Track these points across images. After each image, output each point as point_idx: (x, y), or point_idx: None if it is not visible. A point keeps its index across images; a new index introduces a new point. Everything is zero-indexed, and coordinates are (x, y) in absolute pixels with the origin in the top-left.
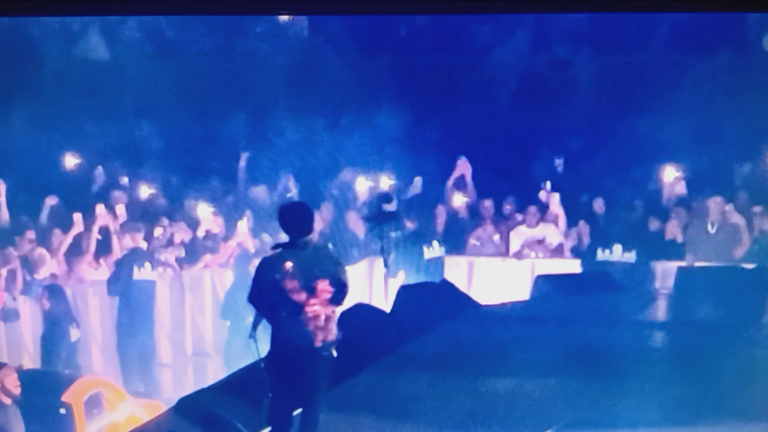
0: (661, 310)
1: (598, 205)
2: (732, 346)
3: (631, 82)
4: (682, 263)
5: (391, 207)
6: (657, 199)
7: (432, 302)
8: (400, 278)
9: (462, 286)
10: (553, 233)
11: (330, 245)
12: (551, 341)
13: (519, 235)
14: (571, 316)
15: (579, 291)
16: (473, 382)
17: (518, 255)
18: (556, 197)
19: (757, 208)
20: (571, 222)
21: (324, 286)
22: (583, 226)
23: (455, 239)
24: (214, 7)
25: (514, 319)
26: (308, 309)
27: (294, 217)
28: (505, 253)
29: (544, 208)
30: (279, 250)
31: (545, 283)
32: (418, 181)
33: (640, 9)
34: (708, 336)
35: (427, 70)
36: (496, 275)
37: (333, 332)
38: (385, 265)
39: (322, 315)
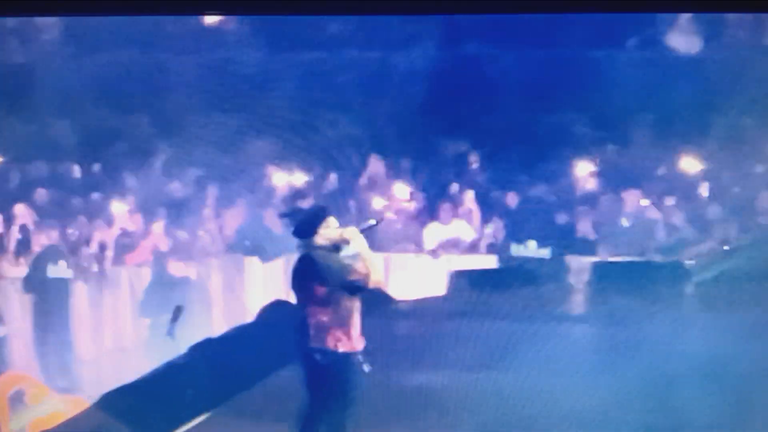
0: (576, 304)
1: (512, 200)
2: (646, 340)
3: (544, 76)
4: (597, 258)
5: (305, 204)
6: (571, 194)
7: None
8: None
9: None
10: (466, 229)
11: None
12: (467, 336)
13: (432, 232)
14: (486, 311)
15: (495, 286)
16: (387, 376)
17: (432, 251)
18: (470, 194)
19: (670, 201)
20: (486, 218)
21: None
22: (498, 222)
23: (370, 235)
24: (213, 8)
25: (430, 314)
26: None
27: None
28: (420, 248)
29: (457, 204)
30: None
31: (461, 278)
32: (333, 177)
33: (639, 9)
34: (623, 329)
35: (340, 67)
36: (412, 271)
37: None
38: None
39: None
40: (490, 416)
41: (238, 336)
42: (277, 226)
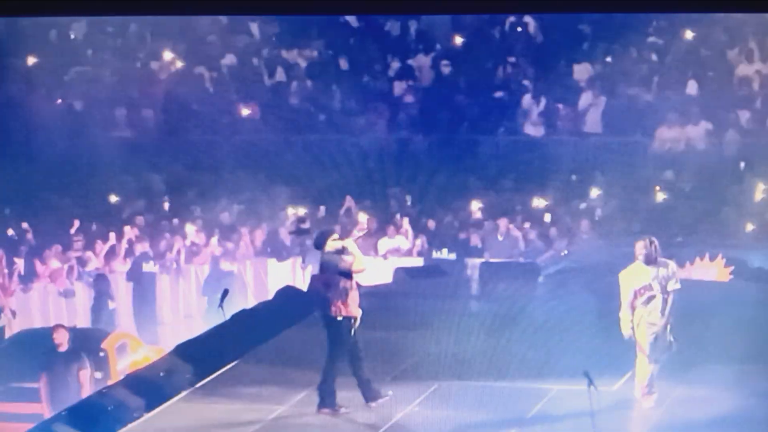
0: (472, 288)
1: (431, 223)
2: (517, 311)
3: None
4: (482, 259)
5: (305, 226)
6: (466, 220)
7: None
8: (310, 269)
9: None
10: (404, 241)
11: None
12: (405, 307)
13: (383, 243)
14: (418, 292)
15: (423, 277)
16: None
17: (383, 256)
18: (406, 220)
19: (527, 225)
20: (416, 235)
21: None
22: (423, 237)
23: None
24: (213, 7)
25: (382, 295)
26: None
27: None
28: (376, 254)
29: (398, 226)
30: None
31: (401, 272)
32: (322, 209)
33: (638, 9)
34: (501, 304)
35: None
36: (371, 267)
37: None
38: (303, 261)
39: (329, 294)
40: (417, 361)
41: (263, 308)
42: (287, 239)
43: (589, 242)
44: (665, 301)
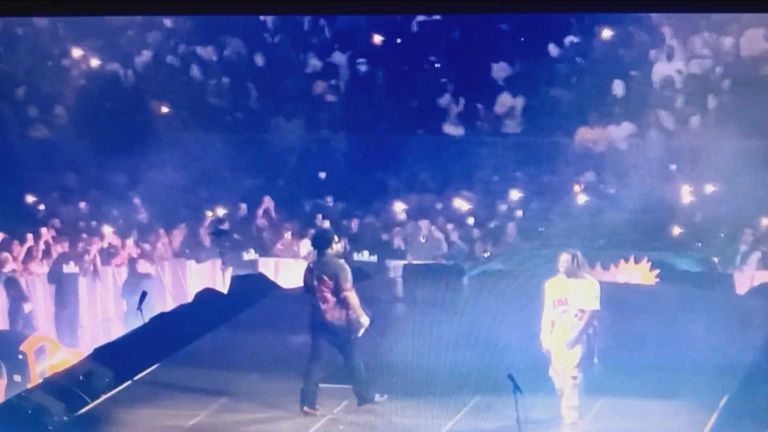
0: (397, 291)
1: (353, 225)
2: (439, 309)
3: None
4: (405, 261)
5: (224, 226)
6: (388, 221)
7: (254, 286)
8: (230, 272)
9: (271, 276)
10: None
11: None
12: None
13: (305, 245)
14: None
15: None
16: (270, 333)
17: (305, 257)
18: (327, 222)
19: (450, 226)
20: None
21: (325, 279)
22: (344, 238)
23: (265, 247)
24: (213, 7)
25: (302, 298)
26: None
27: (314, 238)
28: (298, 255)
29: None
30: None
31: None
32: (243, 207)
33: (638, 9)
34: (423, 304)
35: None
36: (293, 270)
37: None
38: (222, 263)
39: (331, 300)
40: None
41: (183, 311)
42: (206, 240)
43: (511, 244)
44: (579, 318)
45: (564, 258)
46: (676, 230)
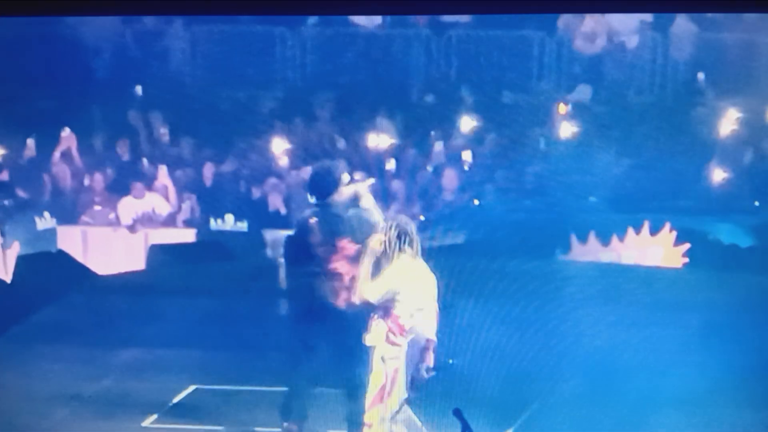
0: (278, 278)
1: (207, 171)
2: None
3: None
4: (289, 231)
5: None
6: (263, 165)
7: (50, 272)
8: (15, 249)
9: (78, 256)
10: (160, 203)
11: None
12: (169, 310)
13: (127, 206)
14: (187, 285)
15: (195, 259)
16: (98, 352)
17: (130, 226)
18: (163, 168)
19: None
20: (181, 191)
21: (345, 244)
22: (191, 196)
23: (67, 210)
24: (213, 8)
25: (131, 288)
26: (331, 266)
27: (313, 179)
28: (117, 222)
29: (151, 179)
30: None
31: (160, 252)
32: (30, 143)
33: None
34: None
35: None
36: (111, 245)
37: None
38: (1, 234)
39: (346, 274)
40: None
41: None
42: None
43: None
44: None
45: (376, 239)
46: (717, 178)
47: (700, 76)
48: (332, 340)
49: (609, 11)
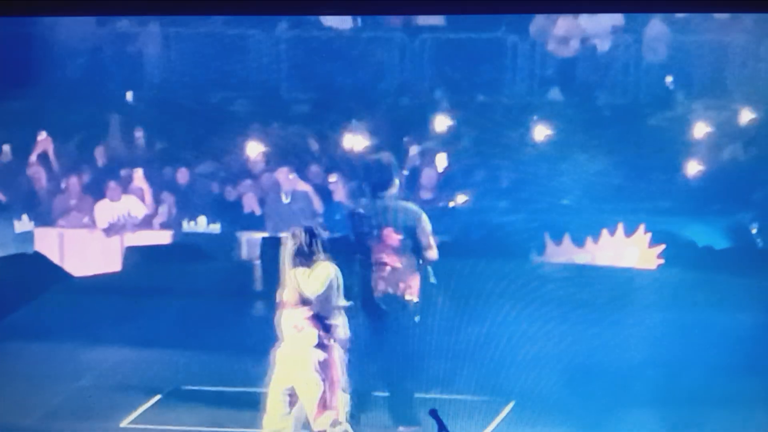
0: (255, 280)
1: (182, 176)
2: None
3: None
4: (265, 233)
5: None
6: (236, 168)
7: (26, 274)
8: None
9: (54, 258)
10: (136, 205)
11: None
12: (145, 312)
13: (103, 209)
14: (162, 286)
15: (169, 261)
16: (74, 353)
17: (106, 228)
18: (139, 171)
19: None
20: (157, 193)
21: (389, 233)
22: (168, 198)
23: (45, 212)
24: (214, 8)
25: (107, 290)
26: (374, 257)
27: (369, 171)
28: (93, 225)
29: (127, 180)
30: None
31: (136, 254)
32: (6, 149)
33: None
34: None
35: None
36: (87, 247)
37: (402, 287)
38: None
39: (388, 265)
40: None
41: None
42: None
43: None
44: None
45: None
46: (691, 180)
47: (674, 77)
48: (376, 329)
49: (609, 11)
